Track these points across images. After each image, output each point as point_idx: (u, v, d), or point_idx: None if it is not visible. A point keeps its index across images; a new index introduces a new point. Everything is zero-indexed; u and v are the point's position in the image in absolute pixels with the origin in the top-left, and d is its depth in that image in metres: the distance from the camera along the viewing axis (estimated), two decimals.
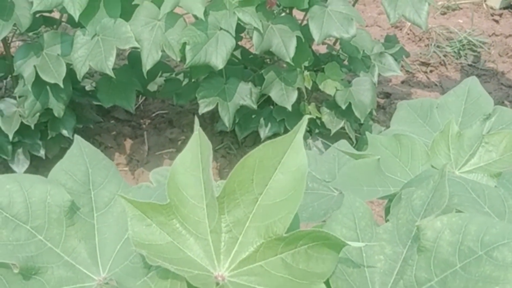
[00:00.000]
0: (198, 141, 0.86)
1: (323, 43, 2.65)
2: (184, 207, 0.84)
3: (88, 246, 0.88)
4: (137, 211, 0.83)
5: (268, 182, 0.84)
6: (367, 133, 1.33)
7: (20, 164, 2.63)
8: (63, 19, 2.61)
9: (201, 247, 0.83)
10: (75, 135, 0.98)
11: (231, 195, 0.83)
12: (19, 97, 2.53)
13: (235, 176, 0.83)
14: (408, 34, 3.76)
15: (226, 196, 0.83)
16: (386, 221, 0.92)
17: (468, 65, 3.54)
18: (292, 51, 2.37)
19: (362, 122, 2.64)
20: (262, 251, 0.82)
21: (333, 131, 2.62)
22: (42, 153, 2.65)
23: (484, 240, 0.79)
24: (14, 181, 0.88)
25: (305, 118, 0.85)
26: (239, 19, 2.31)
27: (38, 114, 2.50)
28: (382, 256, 0.87)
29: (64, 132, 2.63)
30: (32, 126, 2.53)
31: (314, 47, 2.73)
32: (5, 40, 2.57)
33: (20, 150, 2.63)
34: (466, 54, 3.61)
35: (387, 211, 1.19)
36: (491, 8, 4.01)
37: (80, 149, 0.95)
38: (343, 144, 1.38)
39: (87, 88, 2.88)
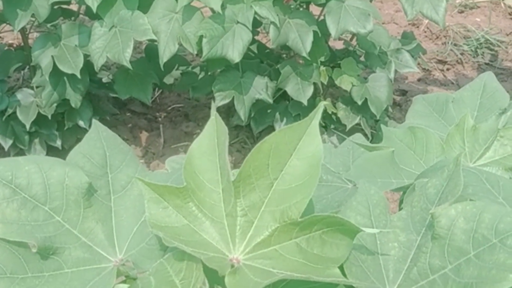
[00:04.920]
0: (215, 126, 0.87)
1: (340, 39, 2.65)
2: (200, 190, 0.85)
3: (105, 228, 0.89)
4: (154, 194, 0.84)
5: (284, 168, 0.84)
6: (382, 125, 1.34)
7: (37, 154, 2.64)
8: (81, 11, 2.63)
9: (217, 230, 0.84)
10: (93, 120, 0.99)
11: (247, 180, 0.84)
12: (37, 87, 2.55)
13: (250, 161, 0.84)
14: (425, 31, 3.75)
15: (241, 181, 0.84)
16: (400, 209, 0.93)
17: (485, 63, 3.53)
18: (308, 46, 2.38)
19: (378, 118, 2.63)
20: (277, 235, 0.83)
21: (349, 126, 2.62)
22: (58, 143, 2.67)
23: (499, 228, 0.80)
24: (33, 163, 0.89)
25: (321, 105, 0.85)
26: (256, 12, 2.31)
27: (55, 104, 2.52)
28: (396, 243, 0.87)
29: (81, 123, 2.65)
30: (49, 117, 2.55)
31: (330, 43, 2.73)
32: (23, 31, 2.59)
33: (36, 140, 2.66)
34: (483, 52, 3.60)
35: (401, 203, 1.19)
36: (509, 7, 3.99)
37: (98, 133, 0.96)
38: (358, 137, 1.38)
39: (104, 80, 2.89)
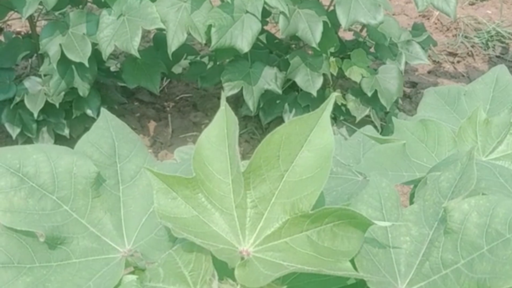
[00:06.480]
0: (224, 117, 0.86)
1: (350, 30, 2.63)
2: (210, 181, 0.84)
3: (114, 218, 0.88)
4: (163, 184, 0.83)
5: (294, 159, 0.83)
6: (393, 118, 1.32)
7: (45, 142, 2.64)
8: None
9: (226, 222, 0.83)
10: (102, 108, 0.98)
11: (257, 171, 0.83)
12: (45, 75, 2.54)
13: (261, 152, 0.83)
14: (436, 23, 3.72)
15: (251, 172, 0.83)
16: (412, 203, 0.92)
17: (496, 56, 3.51)
18: (318, 36, 2.36)
19: (388, 110, 2.62)
20: (287, 228, 0.81)
21: (358, 118, 2.60)
22: (66, 132, 2.66)
23: None
24: (41, 151, 0.88)
25: (332, 96, 0.84)
26: (265, 2, 2.30)
27: (63, 93, 2.52)
28: (408, 237, 0.86)
29: (89, 112, 2.64)
30: (57, 105, 2.55)
31: (340, 34, 2.71)
32: (31, 19, 2.58)
33: (44, 129, 2.65)
34: (494, 45, 3.57)
35: (412, 196, 1.18)
36: None
37: (107, 122, 0.95)
38: (368, 129, 1.37)
39: (112, 69, 2.89)
